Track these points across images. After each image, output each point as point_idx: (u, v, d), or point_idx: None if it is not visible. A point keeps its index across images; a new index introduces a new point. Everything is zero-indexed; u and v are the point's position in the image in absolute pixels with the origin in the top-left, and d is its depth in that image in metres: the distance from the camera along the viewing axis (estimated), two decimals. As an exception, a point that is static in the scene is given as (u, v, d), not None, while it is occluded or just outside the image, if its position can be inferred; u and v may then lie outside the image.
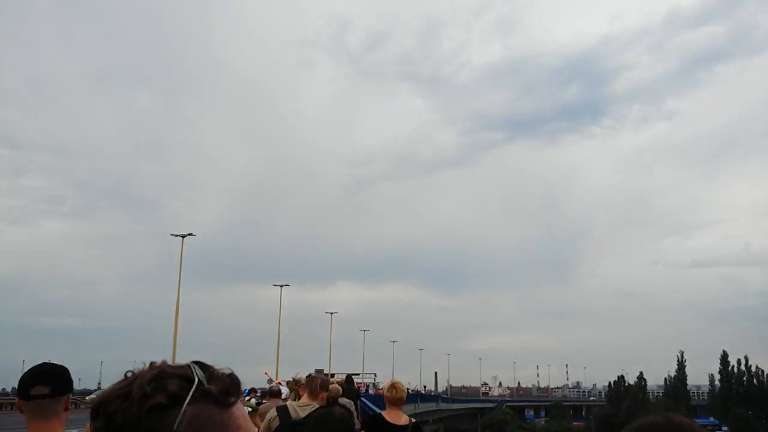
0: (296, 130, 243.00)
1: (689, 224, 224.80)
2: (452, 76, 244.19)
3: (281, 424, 4.64)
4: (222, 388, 0.83)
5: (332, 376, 77.59)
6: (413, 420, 5.41)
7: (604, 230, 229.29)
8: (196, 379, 0.79)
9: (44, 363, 2.58)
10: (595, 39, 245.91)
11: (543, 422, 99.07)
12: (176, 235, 52.71)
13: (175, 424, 0.76)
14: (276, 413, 4.77)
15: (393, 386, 5.44)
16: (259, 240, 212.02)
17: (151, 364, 0.82)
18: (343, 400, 9.01)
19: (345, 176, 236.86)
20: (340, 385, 10.50)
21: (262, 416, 7.10)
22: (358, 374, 76.13)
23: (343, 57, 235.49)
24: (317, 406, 4.86)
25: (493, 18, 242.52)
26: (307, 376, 6.12)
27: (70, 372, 2.49)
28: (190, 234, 52.85)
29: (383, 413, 5.43)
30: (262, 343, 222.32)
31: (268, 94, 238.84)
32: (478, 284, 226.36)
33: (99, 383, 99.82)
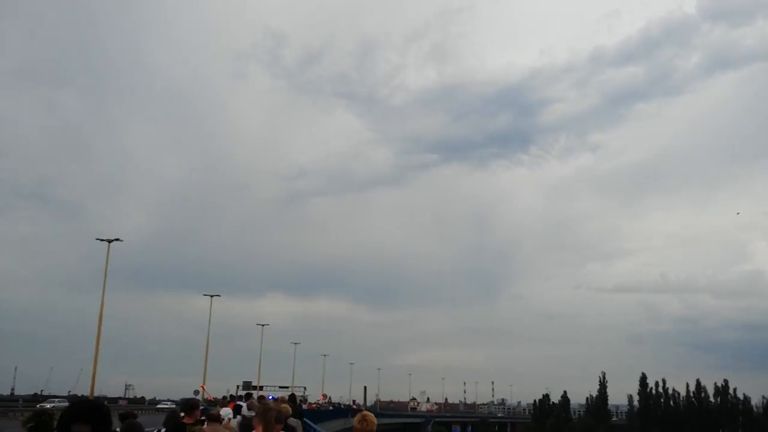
0: (229, 141, 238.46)
1: (610, 251, 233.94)
2: (387, 98, 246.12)
3: None
4: None
5: (261, 389, 75.50)
6: None
7: (531, 253, 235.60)
8: None
9: (85, 398, 2.29)
10: (524, 71, 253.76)
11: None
12: (102, 240, 50.43)
13: None
14: None
15: (364, 418, 5.19)
16: (188, 249, 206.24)
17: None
18: (291, 421, 8.73)
19: (278, 189, 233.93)
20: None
21: None
22: (287, 387, 74.64)
23: (279, 71, 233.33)
24: None
25: (427, 44, 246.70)
26: (261, 407, 5.62)
27: None
28: (117, 239, 50.61)
29: None
30: (190, 353, 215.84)
31: (201, 104, 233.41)
32: (409, 301, 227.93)
33: (12, 389, 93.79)
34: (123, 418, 8.27)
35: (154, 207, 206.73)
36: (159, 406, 48.67)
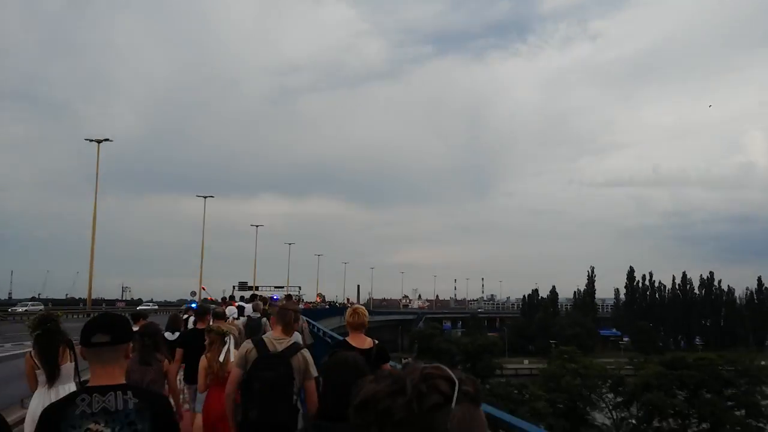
0: (218, 36, 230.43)
1: (604, 145, 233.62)
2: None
3: (260, 357, 4.47)
4: (476, 388, 0.89)
5: (257, 289, 76.16)
6: (376, 342, 5.37)
7: (524, 149, 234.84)
8: (457, 381, 0.86)
9: (105, 312, 2.95)
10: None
11: (459, 333, 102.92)
12: (91, 140, 48.99)
13: (449, 422, 0.83)
14: (252, 345, 4.57)
15: (354, 311, 5.43)
16: (179, 150, 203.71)
17: (405, 365, 0.91)
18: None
19: (269, 86, 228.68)
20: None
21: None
22: (282, 287, 75.61)
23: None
24: (293, 341, 4.75)
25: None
26: (279, 307, 5.30)
27: None
28: (106, 140, 49.26)
29: (347, 339, 5.42)
30: (185, 255, 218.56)
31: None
32: (402, 199, 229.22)
33: (10, 293, 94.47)
34: (135, 318, 8.17)
35: (143, 106, 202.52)
36: (140, 307, 48.70)
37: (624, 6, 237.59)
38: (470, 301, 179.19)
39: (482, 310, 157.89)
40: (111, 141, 49.74)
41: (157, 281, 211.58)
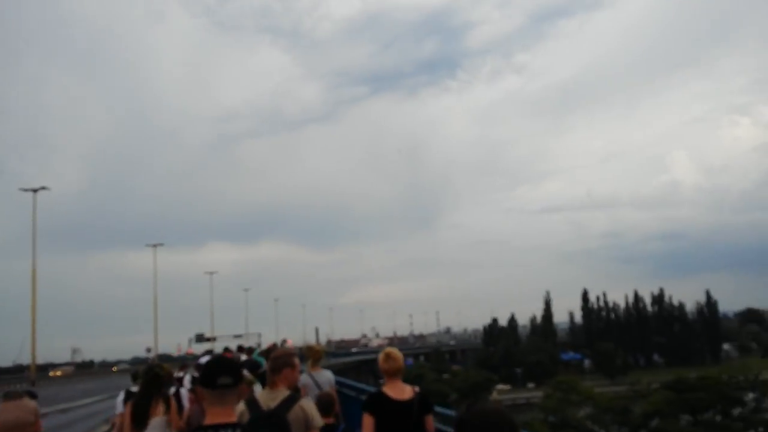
0: (152, 86, 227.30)
1: (538, 173, 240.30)
2: (313, 30, 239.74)
3: (252, 419, 3.54)
4: None
5: (214, 340, 73.60)
6: (417, 390, 4.69)
7: (463, 181, 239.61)
8: None
9: (222, 355, 3.26)
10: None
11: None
12: (26, 190, 46.49)
13: None
14: (244, 406, 3.94)
15: (388, 356, 4.75)
16: (121, 203, 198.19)
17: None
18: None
19: (208, 134, 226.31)
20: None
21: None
22: (241, 335, 73.17)
23: (197, 9, 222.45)
24: (287, 393, 4.06)
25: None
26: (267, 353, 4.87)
27: None
28: (42, 188, 46.79)
29: (384, 388, 4.67)
30: (136, 311, 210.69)
31: (120, 49, 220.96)
32: (349, 238, 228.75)
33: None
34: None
35: (81, 161, 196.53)
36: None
37: (544, 38, 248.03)
38: (428, 335, 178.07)
39: (442, 343, 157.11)
40: (48, 189, 47.32)
41: (108, 340, 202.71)
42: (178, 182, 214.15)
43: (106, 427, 12.59)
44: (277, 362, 4.17)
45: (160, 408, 5.46)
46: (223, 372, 2.58)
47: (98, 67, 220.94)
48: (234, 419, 2.57)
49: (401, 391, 4.60)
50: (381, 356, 4.81)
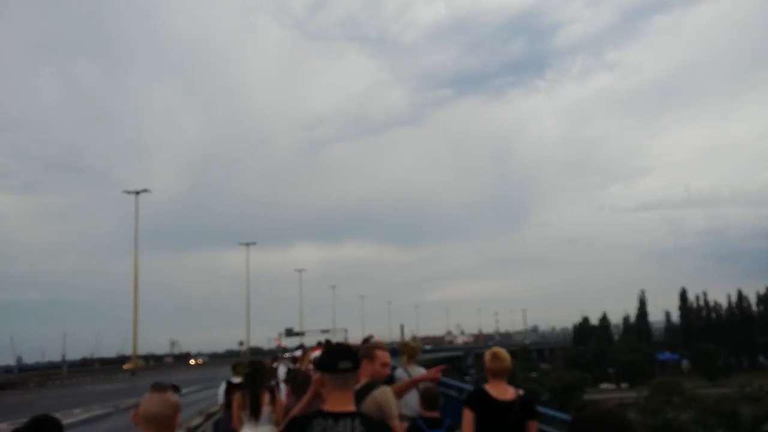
0: (245, 94, 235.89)
1: (632, 170, 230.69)
2: (398, 36, 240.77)
3: None
4: None
5: (303, 334, 75.17)
6: (520, 392, 4.51)
7: (552, 180, 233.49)
8: None
9: (335, 343, 3.54)
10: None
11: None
12: (130, 192, 49.08)
13: None
14: None
15: (495, 356, 4.59)
16: (216, 205, 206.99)
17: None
18: None
19: (298, 139, 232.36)
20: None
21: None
22: (328, 330, 74.48)
23: (288, 20, 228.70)
24: (363, 384, 3.86)
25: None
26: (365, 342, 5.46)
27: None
28: (144, 190, 49.32)
29: (487, 387, 4.55)
30: (229, 306, 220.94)
31: (215, 61, 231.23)
32: (435, 238, 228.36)
33: (63, 356, 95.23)
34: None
35: (179, 166, 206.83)
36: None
37: (639, 35, 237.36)
38: (514, 333, 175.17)
39: (529, 341, 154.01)
40: (149, 192, 49.84)
41: (204, 334, 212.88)
42: (270, 185, 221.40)
43: (199, 419, 12.95)
44: (358, 354, 4.05)
45: (267, 398, 5.81)
46: (344, 356, 2.67)
47: (195, 78, 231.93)
48: (353, 408, 2.59)
49: (504, 392, 4.48)
50: (487, 355, 4.67)
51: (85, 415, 20.01)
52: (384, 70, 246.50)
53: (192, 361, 76.02)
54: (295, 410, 3.38)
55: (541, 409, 5.27)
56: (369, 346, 4.31)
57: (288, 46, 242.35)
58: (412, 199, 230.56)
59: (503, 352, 4.64)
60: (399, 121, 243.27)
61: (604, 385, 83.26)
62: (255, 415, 5.73)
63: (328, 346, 2.93)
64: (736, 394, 54.77)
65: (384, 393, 3.81)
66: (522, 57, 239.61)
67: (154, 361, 75.75)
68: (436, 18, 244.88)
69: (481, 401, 4.46)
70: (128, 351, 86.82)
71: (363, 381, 3.93)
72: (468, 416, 4.42)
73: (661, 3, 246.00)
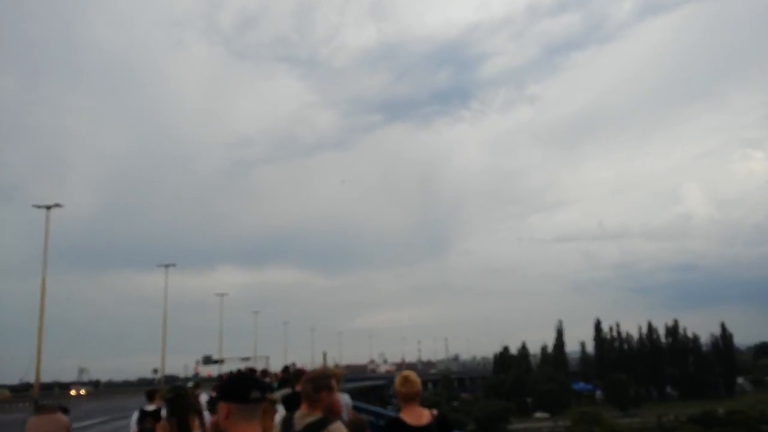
0: (170, 111, 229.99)
1: (551, 203, 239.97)
2: (329, 59, 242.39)
3: None
4: None
5: (222, 362, 72.67)
6: (435, 413, 4.42)
7: (477, 208, 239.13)
8: None
9: (245, 371, 3.56)
10: (462, 26, 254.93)
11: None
12: (40, 207, 46.23)
13: None
14: (280, 422, 3.82)
15: (406, 379, 4.46)
16: (135, 224, 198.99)
17: None
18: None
19: (223, 159, 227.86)
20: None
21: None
22: (249, 358, 72.36)
23: (216, 37, 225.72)
24: (320, 416, 3.61)
25: (366, 2, 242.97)
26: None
27: None
28: (56, 205, 46.57)
29: (402, 415, 4.42)
30: (144, 332, 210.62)
31: (139, 75, 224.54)
32: (360, 263, 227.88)
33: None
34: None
35: (98, 183, 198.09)
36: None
37: (557, 70, 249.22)
38: (437, 361, 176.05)
39: (450, 371, 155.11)
40: (62, 206, 46.99)
41: (115, 361, 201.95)
42: (192, 206, 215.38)
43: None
44: (318, 383, 3.78)
45: (196, 422, 5.39)
46: (254, 386, 2.50)
47: (118, 92, 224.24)
48: None
49: (419, 416, 4.38)
50: (398, 380, 4.54)
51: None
52: (313, 93, 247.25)
53: (73, 392, 66.86)
54: None
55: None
56: (324, 374, 3.95)
57: (216, 64, 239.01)
58: (338, 224, 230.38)
59: (413, 375, 4.53)
60: (327, 144, 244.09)
61: (539, 414, 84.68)
62: None
63: (239, 375, 2.63)
64: (654, 425, 56.79)
65: (337, 427, 3.50)
66: (449, 87, 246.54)
67: (59, 389, 71.12)
68: (367, 43, 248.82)
69: (398, 431, 4.35)
70: (31, 378, 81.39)
71: (314, 415, 3.62)
72: None
73: (578, 40, 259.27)
